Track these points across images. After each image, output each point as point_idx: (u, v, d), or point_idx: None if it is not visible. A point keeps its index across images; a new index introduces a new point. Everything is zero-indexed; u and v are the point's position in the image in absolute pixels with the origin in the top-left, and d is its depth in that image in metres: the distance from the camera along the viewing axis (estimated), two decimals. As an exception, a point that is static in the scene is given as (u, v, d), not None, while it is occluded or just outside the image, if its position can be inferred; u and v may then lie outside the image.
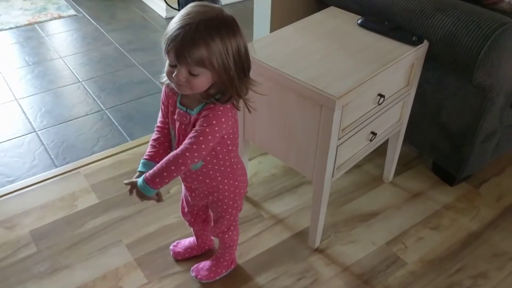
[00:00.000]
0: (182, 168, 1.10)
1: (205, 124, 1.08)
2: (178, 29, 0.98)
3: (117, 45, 2.84)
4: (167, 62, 1.04)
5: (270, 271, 1.54)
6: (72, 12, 3.22)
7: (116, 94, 2.39)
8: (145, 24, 3.11)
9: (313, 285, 1.50)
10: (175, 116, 1.15)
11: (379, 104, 1.45)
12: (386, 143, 1.75)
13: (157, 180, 1.12)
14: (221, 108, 1.08)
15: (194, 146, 1.08)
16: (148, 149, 1.22)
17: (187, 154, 1.08)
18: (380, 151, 1.79)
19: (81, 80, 2.50)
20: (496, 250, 1.62)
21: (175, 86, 1.06)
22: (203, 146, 1.08)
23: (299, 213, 1.74)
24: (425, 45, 1.50)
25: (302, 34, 1.54)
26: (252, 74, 1.44)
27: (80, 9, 3.26)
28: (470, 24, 1.45)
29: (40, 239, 1.62)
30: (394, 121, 1.63)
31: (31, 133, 2.12)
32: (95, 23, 3.09)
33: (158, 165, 1.12)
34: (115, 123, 2.19)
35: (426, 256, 1.60)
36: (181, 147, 1.09)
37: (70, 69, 2.60)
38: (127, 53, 2.75)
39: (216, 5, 1.04)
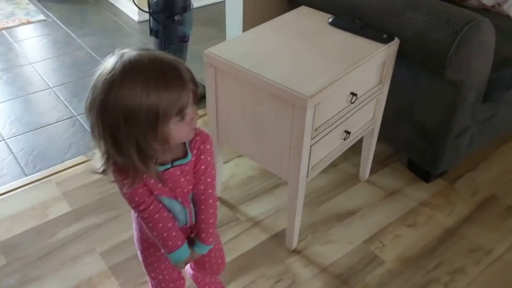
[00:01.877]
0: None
1: (209, 158, 1.01)
2: (183, 70, 0.86)
3: (89, 50, 2.78)
4: (179, 118, 0.87)
5: (247, 274, 1.52)
6: (41, 17, 3.15)
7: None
8: (117, 28, 3.06)
9: (291, 287, 1.48)
10: (169, 185, 0.98)
11: (351, 103, 1.44)
12: (361, 141, 1.75)
13: (211, 239, 1.11)
14: (199, 128, 1.00)
15: (214, 183, 1.05)
16: (168, 239, 1.04)
17: (214, 197, 1.06)
18: (356, 150, 1.79)
19: (51, 86, 2.44)
20: (472, 245, 1.63)
21: (190, 135, 0.93)
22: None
23: (276, 214, 1.72)
24: (396, 42, 1.50)
25: (274, 34, 1.53)
26: (224, 76, 1.43)
27: (50, 14, 3.20)
28: (440, 21, 1.46)
29: (10, 251, 1.57)
30: (367, 119, 1.63)
31: (-1, 141, 2.07)
32: (65, 28, 3.03)
33: (204, 226, 1.08)
34: (88, 129, 2.14)
35: (403, 253, 1.60)
36: (205, 196, 1.04)
37: (40, 75, 2.54)
38: (99, 57, 2.70)
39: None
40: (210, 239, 1.10)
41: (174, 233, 1.04)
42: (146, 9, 2.11)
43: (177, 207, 1.03)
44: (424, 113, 1.69)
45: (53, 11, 3.24)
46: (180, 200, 1.02)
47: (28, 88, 2.43)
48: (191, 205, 1.06)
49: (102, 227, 1.66)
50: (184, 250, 1.07)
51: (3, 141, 2.06)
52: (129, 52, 0.84)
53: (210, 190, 1.04)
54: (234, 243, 1.62)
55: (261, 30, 1.56)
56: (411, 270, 1.54)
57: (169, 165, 0.96)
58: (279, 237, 1.64)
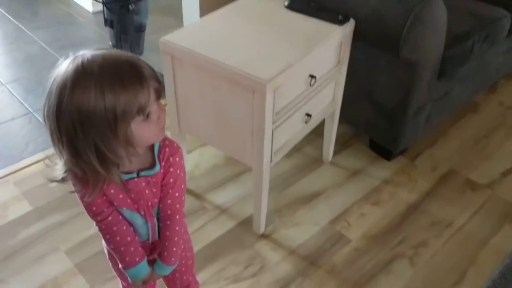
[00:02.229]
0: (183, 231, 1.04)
1: (178, 171, 0.95)
2: (142, 66, 0.82)
3: (42, 43, 2.69)
4: (144, 118, 0.82)
5: (217, 262, 1.52)
6: (-11, 11, 3.02)
7: (44, 95, 2.26)
8: (71, 20, 2.97)
9: (261, 271, 1.50)
10: (132, 195, 0.93)
11: (311, 85, 1.45)
12: (323, 124, 1.77)
13: (173, 259, 1.03)
14: (170, 139, 0.95)
15: (183, 199, 0.99)
16: (126, 254, 0.99)
17: (182, 213, 1.00)
18: (318, 132, 1.81)
19: (4, 83, 2.35)
20: (433, 218, 1.68)
21: (159, 135, 0.88)
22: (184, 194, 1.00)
23: (243, 201, 1.72)
24: (351, 23, 1.52)
25: (230, 19, 1.52)
26: (181, 64, 1.41)
27: (-2, 8, 3.07)
28: (393, 0, 1.48)
29: (-31, 255, 1.52)
30: (328, 101, 1.65)
31: (-48, 143, 1.98)
32: (15, 22, 2.91)
33: (168, 244, 1.01)
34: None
35: (369, 231, 1.63)
36: (172, 212, 0.98)
37: (-9, 72, 2.44)
38: (54, 51, 2.62)
39: None
40: (173, 259, 1.03)
41: (132, 248, 0.98)
42: (99, -1, 2.06)
43: (138, 221, 0.98)
44: (382, 93, 1.72)
45: (0, 4, 3.11)
46: (142, 213, 0.97)
47: (-21, 86, 2.34)
48: (155, 219, 1.00)
49: (65, 224, 1.63)
50: (142, 268, 1.01)
51: (-44, 142, 1.98)
52: (83, 54, 0.80)
53: (178, 205, 0.98)
54: (202, 232, 1.61)
55: (217, 15, 1.54)
56: (377, 246, 1.58)
57: (134, 175, 0.91)
58: (246, 223, 1.64)
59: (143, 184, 0.92)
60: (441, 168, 1.89)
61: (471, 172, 1.87)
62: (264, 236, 1.60)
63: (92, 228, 1.58)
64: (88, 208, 0.94)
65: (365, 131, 1.93)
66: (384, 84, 1.69)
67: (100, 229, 0.97)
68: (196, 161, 1.89)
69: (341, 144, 1.97)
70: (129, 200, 0.94)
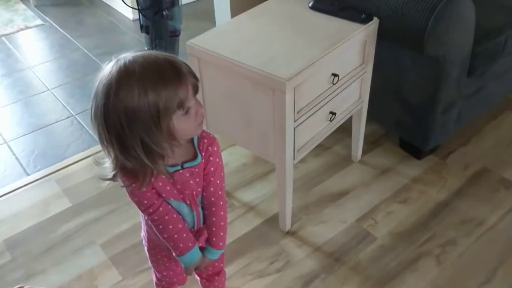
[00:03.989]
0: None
1: (217, 159, 1.02)
2: (180, 64, 0.88)
3: (85, 50, 2.84)
4: (183, 112, 0.88)
5: (242, 257, 1.56)
6: (39, 21, 3.21)
7: (85, 98, 2.39)
8: (112, 27, 3.10)
9: (285, 266, 1.52)
10: (178, 187, 1.00)
11: (334, 84, 1.47)
12: (351, 123, 1.78)
13: (222, 243, 1.11)
14: (206, 131, 1.02)
15: (224, 186, 1.05)
16: (179, 241, 1.05)
17: (224, 199, 1.07)
18: (348, 132, 1.82)
19: (50, 88, 2.50)
20: (463, 217, 1.65)
21: (198, 129, 0.94)
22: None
23: (270, 199, 1.76)
24: (375, 22, 1.52)
25: (256, 21, 1.56)
26: (207, 65, 1.47)
27: (47, 18, 3.25)
28: (417, -3, 1.48)
29: (14, 247, 1.63)
30: (354, 99, 1.65)
31: (1, 144, 2.12)
32: (62, 31, 3.08)
33: (216, 230, 1.08)
34: (85, 127, 2.19)
35: (395, 229, 1.63)
36: (215, 198, 1.05)
37: (38, 78, 2.60)
38: (95, 57, 2.75)
39: None
40: (221, 243, 1.10)
41: (184, 234, 1.04)
42: (136, 6, 2.15)
43: (185, 210, 1.04)
44: (410, 91, 1.71)
45: (49, 15, 3.30)
46: (188, 202, 1.03)
47: (27, 91, 2.49)
48: (199, 208, 1.07)
49: (101, 220, 1.72)
50: (195, 252, 1.07)
51: (5, 144, 2.12)
52: (125, 56, 0.86)
53: (220, 192, 1.05)
54: (230, 228, 1.62)
55: (243, 18, 1.59)
56: (403, 244, 1.57)
57: (179, 167, 0.97)
58: (273, 221, 1.67)
59: (187, 175, 0.98)
60: (473, 166, 1.86)
61: (506, 171, 1.82)
62: (290, 233, 1.63)
63: (125, 223, 1.69)
64: (140, 202, 1.00)
65: (395, 130, 1.92)
66: (412, 81, 1.68)
67: (153, 220, 1.02)
68: (225, 160, 1.93)
69: (371, 143, 1.97)
70: (175, 191, 1.00)
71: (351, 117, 1.73)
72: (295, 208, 1.66)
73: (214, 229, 1.09)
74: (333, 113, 1.53)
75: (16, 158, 2.04)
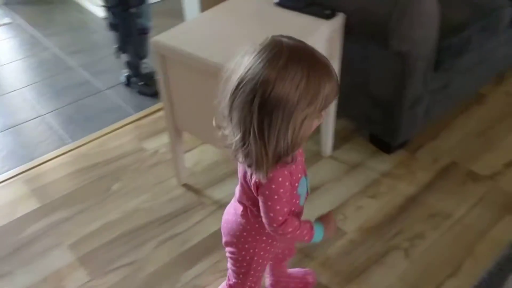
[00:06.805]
0: None
1: None
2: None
3: (55, 49, 2.79)
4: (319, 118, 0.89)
5: (213, 254, 1.55)
6: (7, 20, 3.14)
7: (55, 98, 2.36)
8: (83, 26, 3.06)
9: (255, 263, 1.52)
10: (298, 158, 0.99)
11: (300, 80, 1.47)
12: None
13: None
14: None
15: None
16: (304, 228, 1.07)
17: None
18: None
19: (19, 88, 2.46)
20: (431, 210, 1.68)
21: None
22: None
23: (241, 196, 1.75)
24: (340, 17, 1.53)
25: (221, 17, 1.55)
26: (173, 63, 1.45)
27: (16, 16, 3.19)
28: (381, -7, 1.49)
29: (-21, 250, 1.60)
30: (322, 95, 1.66)
31: (-32, 145, 2.08)
32: (32, 29, 3.03)
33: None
34: (55, 126, 2.16)
35: (365, 223, 1.64)
36: None
37: (7, 77, 2.55)
38: (66, 56, 2.71)
39: None
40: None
41: (305, 223, 1.06)
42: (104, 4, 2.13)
43: (305, 182, 1.06)
44: (377, 86, 1.72)
45: (19, 12, 3.24)
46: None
47: (-5, 91, 2.45)
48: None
49: (70, 220, 1.69)
50: (318, 228, 1.09)
51: (-28, 145, 2.08)
52: (285, 41, 0.86)
53: None
54: (200, 226, 1.65)
55: (209, 15, 1.58)
56: (372, 238, 1.59)
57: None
58: (244, 217, 1.67)
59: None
60: (442, 160, 1.88)
61: (474, 164, 1.85)
62: (260, 229, 1.63)
63: (94, 223, 1.67)
64: (288, 202, 0.99)
65: (364, 125, 1.94)
66: (379, 76, 1.70)
67: (286, 227, 1.00)
68: (197, 158, 1.93)
69: (341, 139, 1.98)
70: (300, 166, 1.01)
71: (320, 113, 1.73)
72: (265, 205, 1.66)
73: None
74: (301, 109, 1.54)
75: (-17, 159, 2.00)
